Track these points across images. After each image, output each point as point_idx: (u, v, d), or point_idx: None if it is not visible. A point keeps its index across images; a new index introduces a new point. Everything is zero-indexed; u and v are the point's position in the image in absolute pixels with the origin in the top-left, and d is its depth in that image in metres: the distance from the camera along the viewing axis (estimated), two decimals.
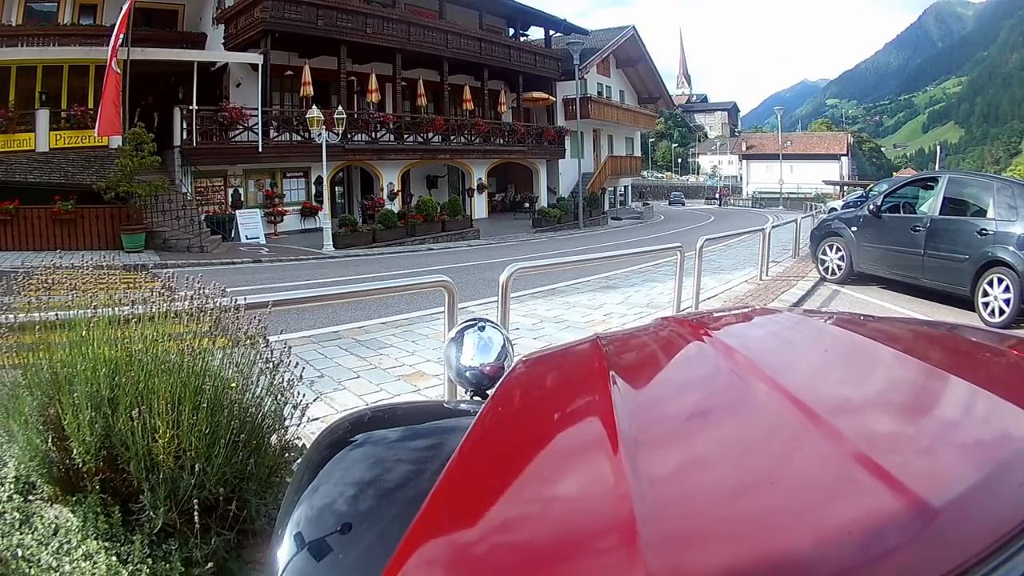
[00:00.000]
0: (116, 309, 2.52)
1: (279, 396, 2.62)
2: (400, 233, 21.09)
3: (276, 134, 20.39)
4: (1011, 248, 8.55)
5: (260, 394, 2.60)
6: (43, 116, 17.43)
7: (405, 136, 24.92)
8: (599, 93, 38.60)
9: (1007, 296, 8.57)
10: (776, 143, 76.51)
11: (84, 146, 18.03)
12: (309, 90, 20.59)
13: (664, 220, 23.66)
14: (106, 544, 2.23)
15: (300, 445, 2.86)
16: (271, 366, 2.58)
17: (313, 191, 22.04)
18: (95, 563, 2.16)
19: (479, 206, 29.26)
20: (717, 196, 66.18)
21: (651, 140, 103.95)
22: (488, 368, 1.76)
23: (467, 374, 1.78)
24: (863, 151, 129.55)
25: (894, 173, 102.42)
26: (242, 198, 20.32)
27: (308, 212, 21.28)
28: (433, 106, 26.59)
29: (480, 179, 29.61)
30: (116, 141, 16.49)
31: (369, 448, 1.34)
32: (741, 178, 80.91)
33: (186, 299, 2.65)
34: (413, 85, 25.41)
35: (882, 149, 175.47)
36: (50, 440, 2.40)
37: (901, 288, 10.75)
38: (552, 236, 24.47)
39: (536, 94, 32.04)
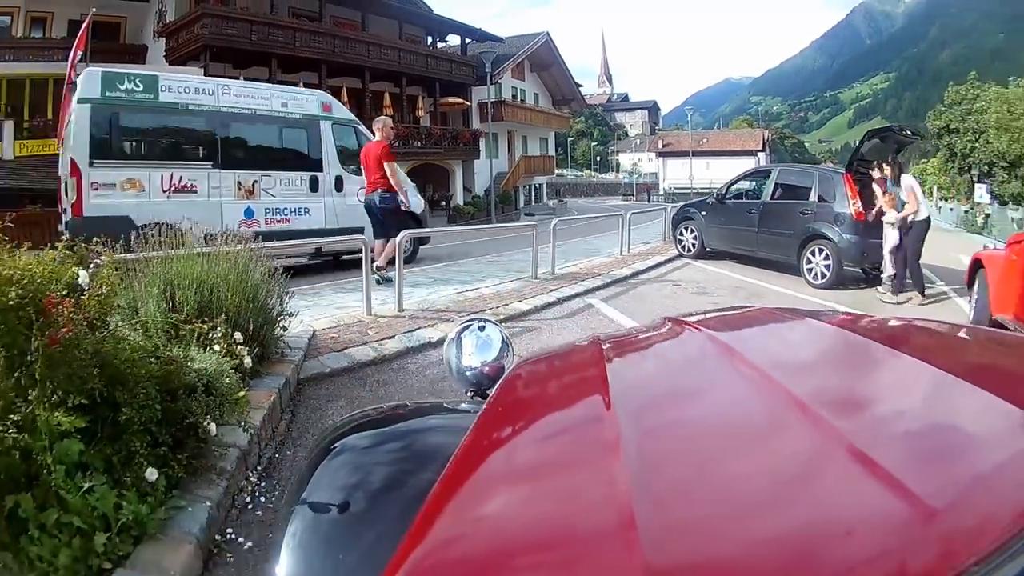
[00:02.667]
0: (193, 250, 5.08)
1: (278, 294, 5.56)
2: None
3: None
4: (828, 224, 11.52)
5: (269, 291, 5.39)
6: (8, 127, 20.05)
7: None
8: (513, 96, 42.49)
9: (827, 263, 11.51)
10: (695, 142, 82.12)
11: (47, 154, 20.04)
12: None
13: (575, 215, 27.23)
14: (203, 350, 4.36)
15: (288, 312, 5.72)
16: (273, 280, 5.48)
17: None
18: (212, 353, 4.30)
19: None
20: (646, 192, 70.83)
21: (570, 139, 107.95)
22: (488, 368, 1.90)
23: (467, 374, 1.93)
24: (785, 147, 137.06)
25: None
26: None
27: None
28: (357, 112, 29.71)
29: None
30: None
31: (370, 448, 1.46)
32: (659, 175, 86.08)
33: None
34: (337, 93, 28.09)
35: (805, 144, 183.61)
36: (165, 305, 4.70)
37: (744, 260, 13.86)
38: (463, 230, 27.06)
39: (452, 99, 35.83)
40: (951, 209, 43.89)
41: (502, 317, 7.91)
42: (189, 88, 11.62)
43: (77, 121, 10.14)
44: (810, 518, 0.80)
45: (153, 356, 3.49)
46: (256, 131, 12.38)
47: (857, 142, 12.46)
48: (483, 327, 2.00)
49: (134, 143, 11.11)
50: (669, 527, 0.79)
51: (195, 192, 11.22)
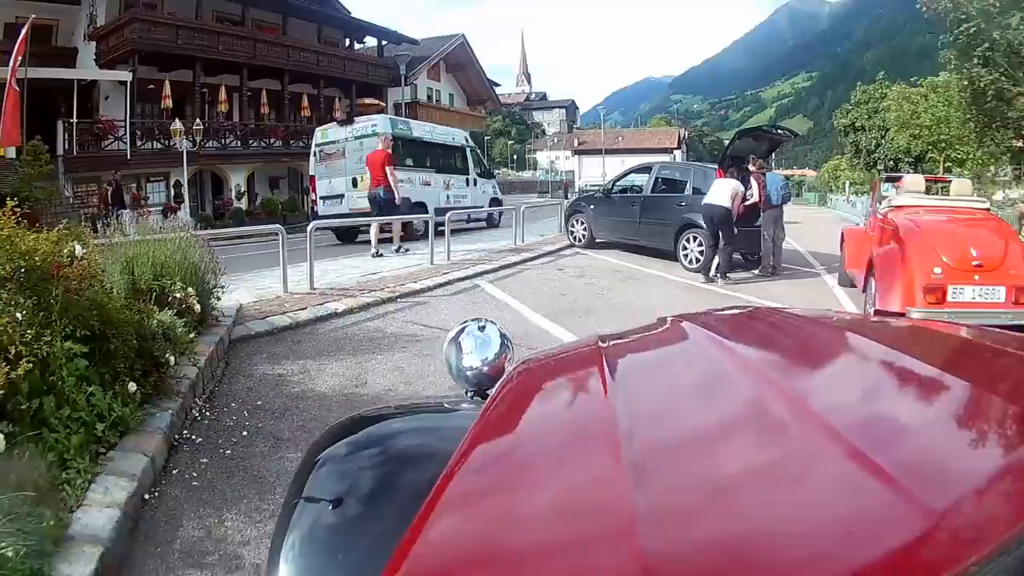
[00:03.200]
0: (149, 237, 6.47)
1: (213, 271, 6.98)
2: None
3: (141, 143, 25.00)
4: (700, 214, 12.60)
5: (204, 268, 6.80)
6: None
7: (250, 142, 30.18)
8: (429, 97, 44.48)
9: (700, 249, 12.88)
10: (609, 139, 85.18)
11: None
12: (169, 103, 25.57)
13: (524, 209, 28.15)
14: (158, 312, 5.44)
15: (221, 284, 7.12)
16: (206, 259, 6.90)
17: (172, 193, 26.47)
18: (169, 309, 5.61)
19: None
20: (564, 189, 73.36)
21: (487, 138, 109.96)
22: (488, 368, 1.90)
23: (467, 374, 1.92)
24: (703, 144, 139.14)
25: None
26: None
27: (168, 212, 24.64)
28: (275, 113, 31.28)
29: None
30: (12, 152, 19.80)
31: (369, 448, 1.48)
32: (575, 172, 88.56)
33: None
34: (258, 95, 30.25)
35: (724, 141, 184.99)
36: (129, 276, 5.92)
37: (629, 249, 15.34)
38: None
39: (368, 100, 36.92)
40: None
41: (397, 294, 9.57)
42: (421, 128, 21.62)
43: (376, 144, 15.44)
44: (810, 518, 0.80)
45: (128, 308, 4.79)
46: (447, 152, 21.80)
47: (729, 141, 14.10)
48: (483, 327, 2.00)
49: (405, 157, 18.41)
50: (670, 527, 0.81)
51: (429, 185, 19.60)
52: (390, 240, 14.66)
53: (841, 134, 58.08)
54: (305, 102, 33.09)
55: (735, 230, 12.06)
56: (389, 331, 7.81)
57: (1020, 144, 19.99)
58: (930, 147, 39.90)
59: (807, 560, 0.71)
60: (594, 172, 79.21)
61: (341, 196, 18.86)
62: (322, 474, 1.39)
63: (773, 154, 15.61)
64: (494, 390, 1.56)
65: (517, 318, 8.63)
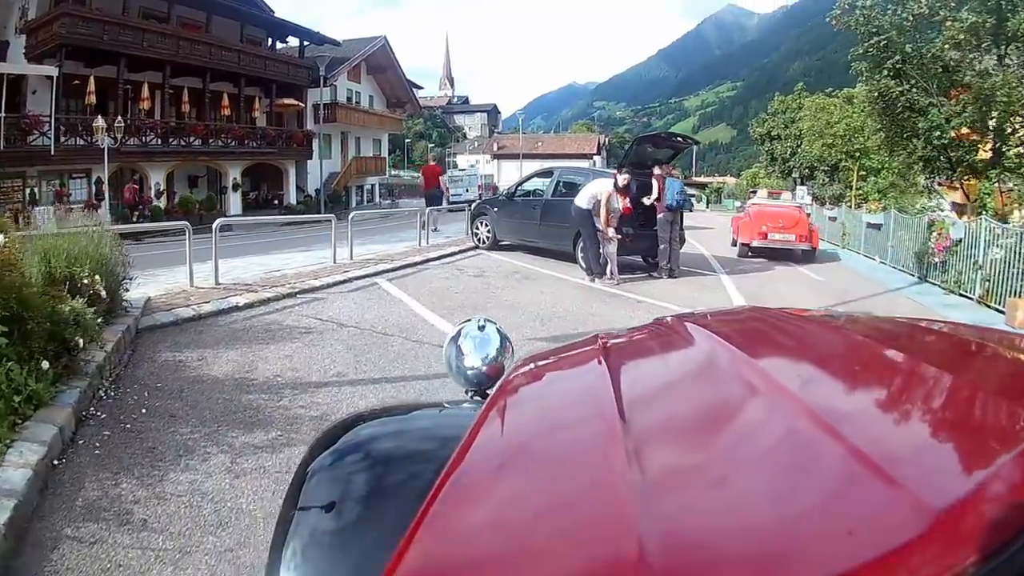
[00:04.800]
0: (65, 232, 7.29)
1: (123, 263, 7.79)
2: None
3: (65, 139, 25.94)
4: (599, 217, 13.53)
5: (114, 260, 7.48)
6: None
7: (171, 140, 30.81)
8: (348, 99, 46.50)
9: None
10: (527, 144, 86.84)
11: None
12: (93, 99, 26.28)
13: (404, 213, 27.23)
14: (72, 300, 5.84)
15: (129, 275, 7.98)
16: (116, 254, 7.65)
17: (93, 190, 27.06)
18: (80, 298, 5.99)
19: (234, 203, 34.96)
20: (492, 192, 74.39)
21: (408, 140, 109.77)
22: (488, 368, 2.01)
23: (467, 374, 2.03)
24: (624, 151, 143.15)
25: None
26: (37, 197, 25.10)
27: (89, 208, 24.08)
28: (196, 112, 32.72)
29: (235, 179, 35.40)
30: None
31: (368, 448, 1.51)
32: (494, 176, 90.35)
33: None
34: (180, 93, 31.09)
35: (648, 149, 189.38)
36: (46, 266, 6.28)
37: (533, 251, 16.63)
38: (291, 228, 27.88)
39: (287, 100, 38.38)
40: None
41: (296, 290, 10.53)
42: None
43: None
44: (810, 517, 0.83)
45: (44, 294, 5.36)
46: None
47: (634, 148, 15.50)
48: (483, 327, 2.09)
49: None
50: (671, 527, 0.82)
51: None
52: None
53: (758, 143, 60.84)
54: (225, 101, 34.08)
55: (595, 230, 13.34)
56: (285, 323, 8.60)
57: (933, 153, 20.09)
58: (845, 156, 42.27)
59: (807, 559, 0.74)
60: (513, 176, 79.96)
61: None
62: (322, 474, 1.43)
63: (675, 160, 17.16)
64: (494, 390, 1.60)
65: (407, 313, 9.57)
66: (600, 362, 1.58)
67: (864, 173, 38.69)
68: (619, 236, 13.50)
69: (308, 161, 40.28)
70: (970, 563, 0.65)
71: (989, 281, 13.12)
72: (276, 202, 38.05)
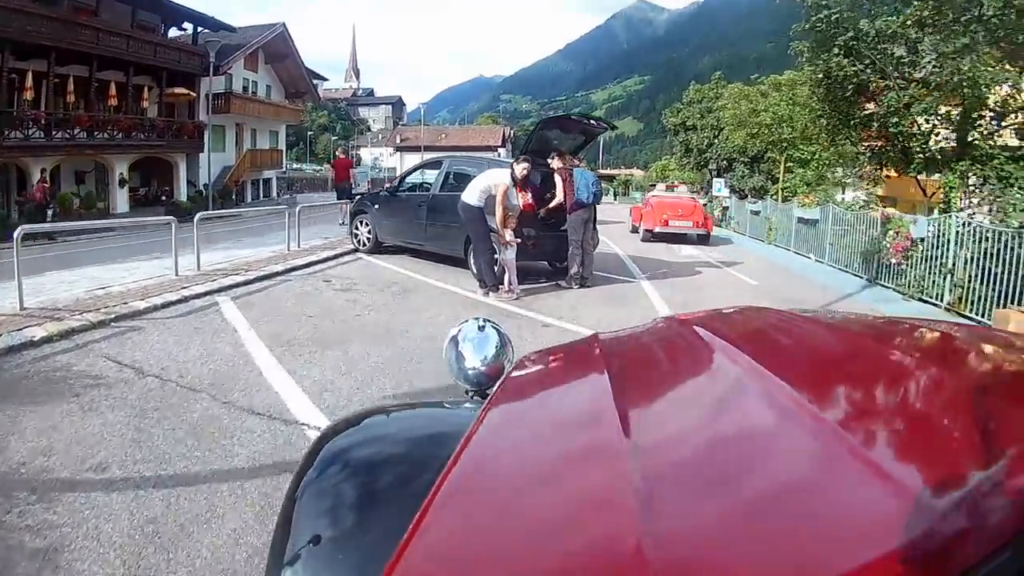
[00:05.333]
0: None
1: None
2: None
3: None
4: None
5: None
6: None
7: (54, 132, 29.04)
8: (245, 88, 45.05)
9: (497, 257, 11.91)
10: (431, 136, 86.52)
11: None
12: None
13: (300, 208, 25.69)
14: None
15: None
16: None
17: None
18: None
19: (121, 200, 33.62)
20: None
21: (311, 133, 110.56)
22: (488, 368, 2.04)
23: (467, 374, 2.06)
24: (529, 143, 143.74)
25: None
26: None
27: None
28: (84, 102, 31.15)
29: (122, 173, 33.80)
30: None
31: (368, 448, 1.55)
32: (397, 169, 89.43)
33: None
34: (65, 82, 29.57)
35: (555, 142, 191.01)
36: None
37: (421, 255, 14.64)
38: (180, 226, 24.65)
39: (178, 90, 36.94)
40: None
41: (113, 316, 8.59)
42: None
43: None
44: (810, 517, 0.84)
45: None
46: None
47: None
48: (483, 327, 2.13)
49: None
50: (671, 526, 0.83)
51: None
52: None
53: (671, 133, 59.09)
54: (113, 90, 32.46)
55: (487, 232, 11.48)
56: (75, 369, 6.70)
57: (881, 143, 18.79)
58: (770, 146, 39.38)
59: (807, 560, 0.75)
60: None
61: None
62: (322, 473, 1.44)
63: (584, 150, 15.26)
64: (494, 389, 1.61)
65: (235, 351, 7.52)
66: (599, 362, 1.62)
67: (791, 165, 36.85)
68: (519, 240, 11.56)
69: (200, 154, 38.23)
70: (970, 563, 0.67)
71: (962, 288, 11.95)
72: (164, 198, 36.71)
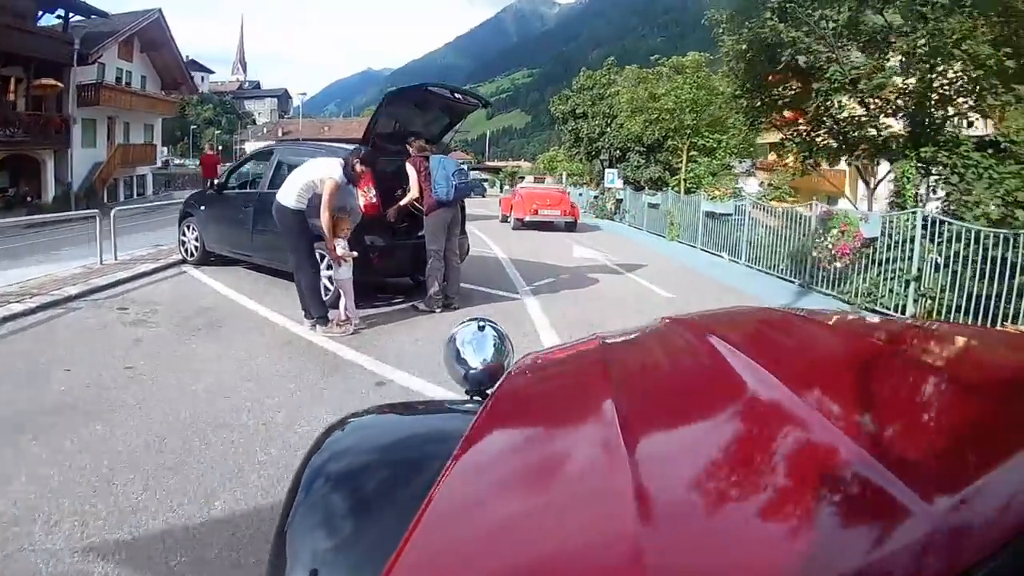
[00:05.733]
0: None
1: None
2: None
3: None
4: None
5: None
6: None
7: None
8: (118, 79, 41.96)
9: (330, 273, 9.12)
10: (314, 129, 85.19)
11: None
12: None
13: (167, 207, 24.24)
14: None
15: None
16: None
17: None
18: None
19: None
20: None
21: (194, 127, 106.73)
22: (488, 368, 2.01)
23: (467, 374, 2.03)
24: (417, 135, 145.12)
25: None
26: None
27: None
28: None
29: None
30: None
31: (368, 448, 1.55)
32: None
33: None
34: None
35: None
36: None
37: (263, 268, 11.45)
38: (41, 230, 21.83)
39: (45, 81, 34.04)
40: (580, 194, 43.32)
41: None
42: None
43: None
44: (811, 518, 0.83)
45: None
46: None
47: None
48: (483, 327, 2.10)
49: None
50: (671, 527, 0.84)
51: None
52: None
53: (559, 122, 53.63)
54: None
55: (310, 244, 8.60)
56: None
57: (810, 128, 16.37)
58: (671, 134, 35.24)
59: (808, 561, 0.74)
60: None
61: None
62: (321, 473, 1.44)
63: (452, 133, 12.18)
64: (494, 390, 1.64)
65: None
66: (600, 361, 1.66)
67: (695, 154, 33.88)
68: (355, 253, 8.70)
69: (69, 151, 35.79)
70: (970, 563, 0.65)
71: (932, 299, 10.17)
72: (29, 200, 34.07)
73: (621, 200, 34.71)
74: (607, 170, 41.06)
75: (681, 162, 34.05)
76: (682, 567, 0.76)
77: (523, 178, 41.98)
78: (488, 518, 1.00)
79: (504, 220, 28.95)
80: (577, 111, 50.19)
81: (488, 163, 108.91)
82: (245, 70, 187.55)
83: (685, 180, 32.58)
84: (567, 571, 0.81)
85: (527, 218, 25.97)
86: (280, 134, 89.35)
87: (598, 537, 0.86)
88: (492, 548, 0.91)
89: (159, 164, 54.10)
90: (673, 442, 1.19)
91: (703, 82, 32.32)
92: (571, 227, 26.69)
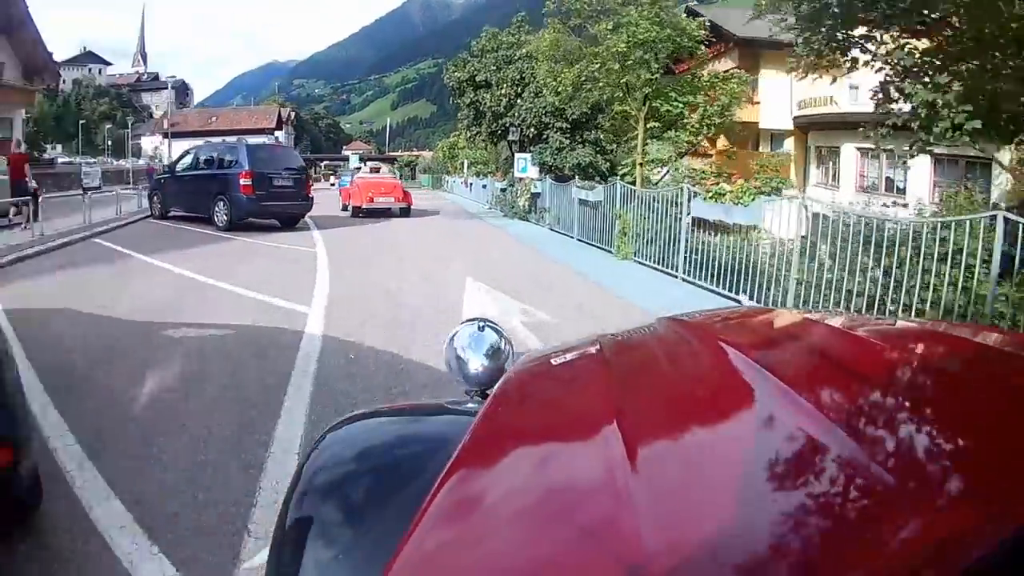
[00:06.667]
0: None
1: None
2: None
3: None
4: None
5: None
6: None
7: None
8: None
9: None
10: (200, 119, 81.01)
11: None
12: None
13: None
14: None
15: None
16: None
17: None
18: None
19: None
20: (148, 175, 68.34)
21: (82, 122, 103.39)
22: (488, 368, 1.96)
23: (467, 374, 1.98)
24: (320, 127, 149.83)
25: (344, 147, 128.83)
26: None
27: None
28: None
29: None
30: None
31: (368, 448, 1.53)
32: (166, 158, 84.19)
33: None
34: None
35: (341, 125, 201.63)
36: None
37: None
38: None
39: None
40: (483, 186, 39.14)
41: None
42: None
43: None
44: (812, 519, 0.82)
45: None
46: None
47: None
48: (483, 327, 2.04)
49: None
50: (670, 529, 0.81)
51: None
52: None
53: (455, 94, 40.07)
54: None
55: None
56: None
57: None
58: (621, 95, 22.91)
59: (808, 562, 0.73)
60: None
61: None
62: (321, 473, 1.42)
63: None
64: (494, 390, 1.56)
65: None
66: (600, 362, 1.62)
67: (655, 125, 23.52)
68: None
69: None
70: (970, 563, 0.66)
71: None
72: None
73: (538, 194, 26.54)
74: (517, 155, 31.05)
75: (630, 140, 24.60)
76: (682, 566, 0.75)
77: (359, 168, 39.94)
78: (488, 521, 0.98)
79: (344, 208, 30.58)
80: (477, 78, 37.64)
81: (389, 153, 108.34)
82: (145, 62, 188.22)
83: (641, 165, 22.59)
84: (567, 571, 0.81)
85: (364, 206, 27.61)
86: (165, 126, 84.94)
87: (598, 540, 0.85)
88: (492, 551, 0.90)
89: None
90: (673, 444, 1.16)
91: (665, 18, 21.02)
92: (405, 213, 28.36)
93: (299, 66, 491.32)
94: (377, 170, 34.36)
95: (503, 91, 36.29)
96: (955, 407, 1.14)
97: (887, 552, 0.70)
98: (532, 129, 34.91)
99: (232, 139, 35.26)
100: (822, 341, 1.76)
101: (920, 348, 1.62)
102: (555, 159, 33.03)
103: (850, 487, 0.87)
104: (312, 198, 22.99)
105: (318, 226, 22.32)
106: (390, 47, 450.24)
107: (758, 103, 33.88)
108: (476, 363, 2.00)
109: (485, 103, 37.38)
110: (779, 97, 32.78)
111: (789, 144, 34.63)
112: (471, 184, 44.47)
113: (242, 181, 19.62)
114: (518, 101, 35.63)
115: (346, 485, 1.41)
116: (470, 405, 1.78)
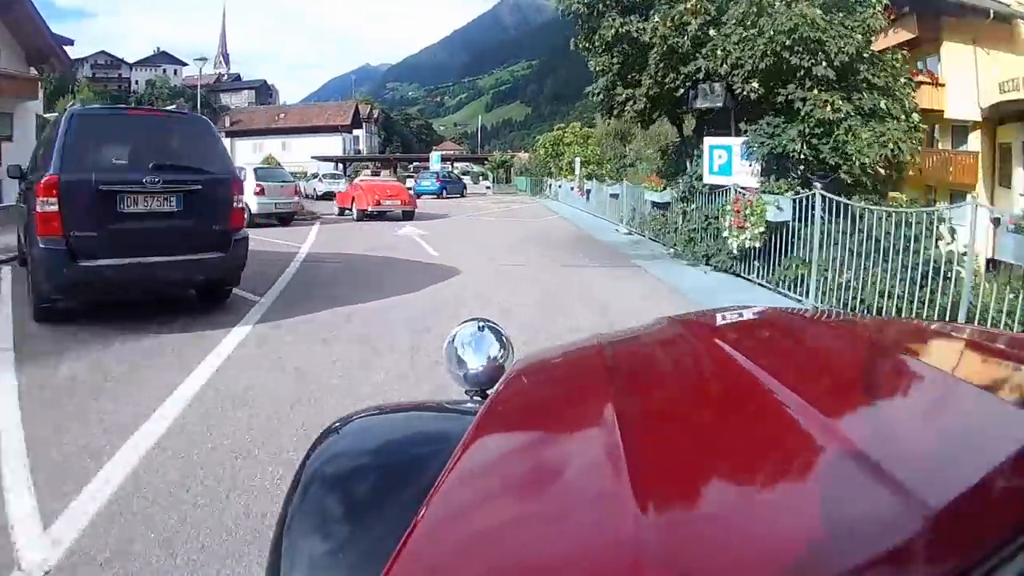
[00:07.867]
0: None
1: None
2: None
3: None
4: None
5: None
6: None
7: None
8: None
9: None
10: (268, 118, 76.26)
11: None
12: None
13: None
14: None
15: None
16: None
17: None
18: None
19: None
20: None
21: None
22: (488, 368, 1.89)
23: (467, 374, 1.91)
24: (410, 128, 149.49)
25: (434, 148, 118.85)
26: None
27: None
28: None
29: None
30: None
31: (367, 448, 1.47)
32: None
33: None
34: None
35: (433, 126, 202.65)
36: None
37: None
38: None
39: None
40: (614, 195, 26.43)
41: None
42: None
43: None
44: (812, 519, 0.82)
45: None
46: None
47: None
48: (483, 327, 1.99)
49: None
50: (671, 529, 0.82)
51: None
52: None
53: (581, 29, 20.28)
54: None
55: None
56: None
57: None
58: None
59: (808, 562, 0.73)
60: (249, 157, 69.49)
61: None
62: (320, 473, 1.39)
63: None
64: (494, 390, 1.55)
65: None
66: (600, 362, 1.61)
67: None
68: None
69: None
70: (970, 563, 0.66)
71: None
72: None
73: (774, 225, 12.27)
74: (710, 141, 15.34)
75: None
76: (682, 566, 0.75)
77: (358, 172, 44.49)
78: (488, 520, 0.98)
79: (341, 212, 29.63)
80: (638, 32, 17.49)
81: (482, 154, 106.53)
82: (227, 63, 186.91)
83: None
84: (567, 574, 0.81)
85: (370, 209, 27.14)
86: (228, 124, 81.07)
87: (598, 540, 0.85)
88: (492, 550, 0.90)
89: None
90: (673, 444, 1.14)
91: None
92: (409, 216, 27.44)
93: (392, 69, 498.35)
94: (378, 173, 38.19)
95: (688, 5, 15.66)
96: (958, 407, 1.14)
97: (887, 552, 0.70)
98: (755, 82, 14.22)
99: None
100: (822, 341, 1.77)
101: (921, 349, 1.59)
102: (811, 147, 13.49)
103: (851, 487, 0.86)
104: (246, 238, 9.17)
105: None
106: (482, 50, 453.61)
107: (942, 85, 25.03)
108: (476, 363, 1.91)
109: (646, 35, 17.00)
110: (964, 81, 24.18)
111: (973, 139, 25.40)
112: (588, 192, 31.60)
113: (41, 205, 7.61)
114: (712, 32, 15.42)
115: (346, 484, 1.34)
116: (470, 405, 1.71)
